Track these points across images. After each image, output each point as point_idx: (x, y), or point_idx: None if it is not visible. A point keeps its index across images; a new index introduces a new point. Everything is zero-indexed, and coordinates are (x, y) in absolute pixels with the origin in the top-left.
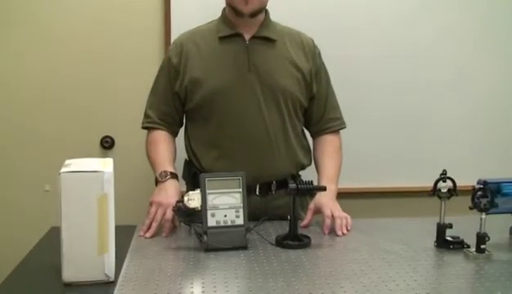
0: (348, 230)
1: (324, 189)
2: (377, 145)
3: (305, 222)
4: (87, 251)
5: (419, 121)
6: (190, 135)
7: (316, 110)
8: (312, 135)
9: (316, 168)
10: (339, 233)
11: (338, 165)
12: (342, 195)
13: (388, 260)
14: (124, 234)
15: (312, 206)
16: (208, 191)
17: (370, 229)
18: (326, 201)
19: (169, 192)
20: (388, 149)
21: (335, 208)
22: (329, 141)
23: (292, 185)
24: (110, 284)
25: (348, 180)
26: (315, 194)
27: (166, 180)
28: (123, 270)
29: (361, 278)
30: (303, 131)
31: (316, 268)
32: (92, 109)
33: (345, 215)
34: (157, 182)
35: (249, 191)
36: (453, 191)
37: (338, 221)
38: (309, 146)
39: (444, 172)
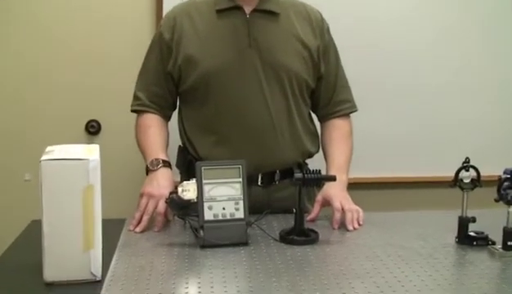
0: (359, 225)
1: (333, 178)
2: (392, 131)
3: (312, 215)
4: (71, 248)
5: (438, 104)
6: (185, 120)
7: (324, 92)
8: (319, 120)
9: (325, 156)
10: (350, 227)
11: (348, 153)
12: (353, 186)
13: (403, 258)
14: (112, 229)
15: (319, 197)
16: (204, 181)
17: (384, 223)
18: (336, 192)
19: (161, 182)
20: (404, 135)
21: (346, 200)
22: (338, 126)
23: (298, 175)
24: (96, 284)
25: (359, 169)
26: (323, 185)
27: (158, 169)
28: (110, 268)
29: (374, 278)
30: (309, 115)
31: (324, 266)
32: (76, 91)
33: (356, 208)
34: (148, 171)
35: (249, 181)
36: (477, 181)
37: (348, 215)
38: (317, 132)
39: (467, 161)
